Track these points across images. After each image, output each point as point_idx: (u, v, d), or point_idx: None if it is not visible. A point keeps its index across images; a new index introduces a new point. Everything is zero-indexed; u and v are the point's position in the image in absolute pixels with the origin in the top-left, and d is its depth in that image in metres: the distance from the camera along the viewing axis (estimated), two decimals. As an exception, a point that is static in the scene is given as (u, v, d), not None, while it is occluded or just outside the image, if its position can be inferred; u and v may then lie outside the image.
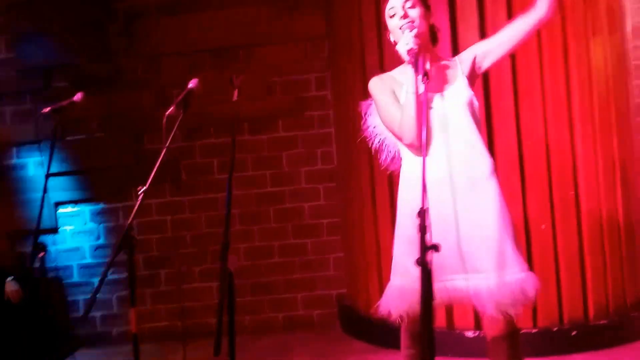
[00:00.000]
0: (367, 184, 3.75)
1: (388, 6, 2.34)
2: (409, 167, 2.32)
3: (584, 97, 3.31)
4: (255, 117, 4.22)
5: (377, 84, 2.35)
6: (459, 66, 2.32)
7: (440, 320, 3.31)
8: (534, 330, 3.25)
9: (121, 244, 2.38)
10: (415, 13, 2.30)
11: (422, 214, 1.85)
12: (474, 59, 2.33)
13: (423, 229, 1.85)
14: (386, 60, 3.44)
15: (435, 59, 2.34)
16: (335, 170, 4.21)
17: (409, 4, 2.31)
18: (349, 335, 4.00)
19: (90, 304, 3.97)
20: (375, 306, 2.36)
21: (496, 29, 2.40)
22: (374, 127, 2.49)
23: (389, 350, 3.41)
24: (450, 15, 3.31)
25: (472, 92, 2.29)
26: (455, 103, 2.26)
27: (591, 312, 3.33)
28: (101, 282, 2.46)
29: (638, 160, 3.63)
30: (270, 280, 4.25)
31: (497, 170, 2.29)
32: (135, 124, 4.24)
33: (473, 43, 2.42)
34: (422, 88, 2.12)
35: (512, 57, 3.17)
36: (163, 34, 4.23)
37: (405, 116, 2.22)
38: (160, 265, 4.24)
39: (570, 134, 3.30)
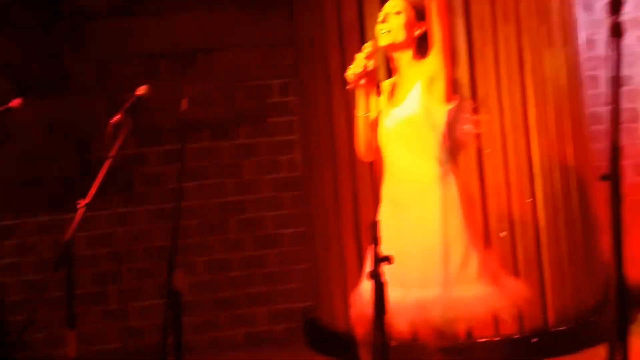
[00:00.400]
0: (331, 193, 3.59)
1: (381, 11, 2.30)
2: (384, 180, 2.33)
3: (539, 106, 3.34)
4: (216, 123, 3.92)
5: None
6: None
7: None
8: (496, 339, 3.24)
9: (59, 262, 2.21)
10: (397, 20, 2.22)
11: (374, 225, 1.83)
12: None
13: (375, 240, 1.82)
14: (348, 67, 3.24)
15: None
16: (300, 178, 3.96)
17: (394, 10, 2.23)
18: (314, 351, 3.75)
19: (26, 325, 3.48)
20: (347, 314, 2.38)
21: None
22: None
23: None
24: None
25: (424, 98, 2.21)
26: (404, 116, 2.21)
27: (551, 319, 3.31)
28: (37, 301, 2.43)
29: (593, 168, 3.58)
30: (230, 295, 3.92)
31: (453, 180, 2.24)
32: (83, 132, 3.86)
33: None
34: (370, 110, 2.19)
35: (470, 67, 3.24)
36: (115, 37, 3.88)
37: (356, 133, 2.28)
38: (110, 281, 3.82)
39: (526, 142, 3.31)
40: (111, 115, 3.74)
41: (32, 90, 3.70)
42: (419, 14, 2.25)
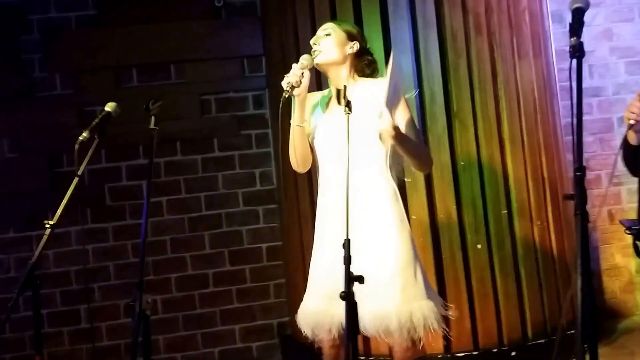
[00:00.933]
0: (307, 206, 3.52)
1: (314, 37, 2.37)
2: (320, 193, 2.36)
3: (512, 118, 3.36)
4: (188, 137, 3.84)
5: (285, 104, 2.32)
6: (379, 96, 2.21)
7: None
8: (475, 353, 3.23)
9: (24, 284, 2.15)
10: (328, 42, 2.31)
11: (347, 244, 1.84)
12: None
13: (348, 259, 1.83)
14: (324, 80, 3.27)
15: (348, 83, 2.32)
16: (275, 191, 3.91)
17: (325, 32, 2.33)
18: None
19: None
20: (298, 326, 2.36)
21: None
22: None
23: None
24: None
25: (387, 118, 2.18)
26: (356, 132, 2.18)
27: (529, 332, 3.30)
28: (3, 324, 2.23)
29: (568, 178, 3.64)
30: (204, 312, 3.85)
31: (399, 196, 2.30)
32: (52, 145, 3.76)
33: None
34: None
35: (444, 79, 3.26)
36: (84, 48, 3.80)
37: (290, 145, 2.32)
38: (81, 300, 3.73)
39: (501, 154, 3.33)
40: (81, 128, 3.69)
41: (-1, 103, 3.64)
42: (349, 34, 2.35)
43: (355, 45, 2.34)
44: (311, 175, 3.49)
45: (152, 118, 2.25)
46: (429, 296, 2.25)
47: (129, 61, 3.82)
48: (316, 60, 2.28)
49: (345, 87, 2.07)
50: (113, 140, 3.45)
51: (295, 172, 3.55)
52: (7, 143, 3.74)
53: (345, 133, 2.00)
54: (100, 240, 3.73)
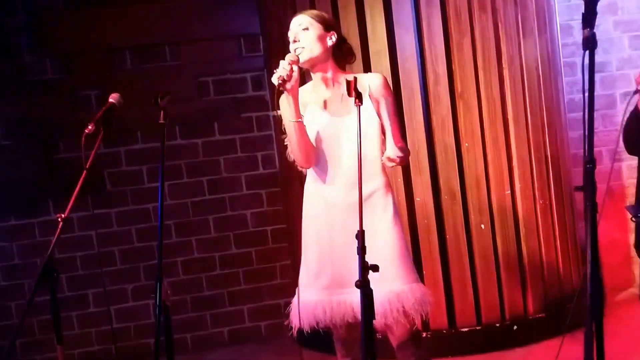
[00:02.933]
0: None
1: (289, 31, 2.34)
2: (309, 182, 2.39)
3: (516, 97, 3.40)
4: (188, 120, 3.86)
5: (282, 101, 2.31)
6: (366, 88, 2.28)
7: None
8: (478, 327, 3.35)
9: (40, 279, 2.14)
10: (308, 37, 2.29)
11: (361, 235, 1.91)
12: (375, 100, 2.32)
13: (362, 250, 1.89)
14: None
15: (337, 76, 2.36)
16: (278, 174, 3.96)
17: (302, 27, 2.31)
18: (299, 345, 3.76)
19: (11, 343, 3.47)
20: (287, 322, 2.47)
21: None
22: None
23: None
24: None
25: (373, 112, 2.30)
26: (349, 127, 2.24)
27: (530, 307, 3.42)
28: (22, 321, 2.47)
29: (571, 155, 3.74)
30: (212, 294, 3.95)
31: (388, 187, 2.37)
32: (48, 130, 3.78)
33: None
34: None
35: (448, 60, 3.27)
36: (74, 29, 3.76)
37: (291, 143, 2.30)
38: (87, 285, 3.83)
39: (505, 133, 3.39)
40: (75, 113, 3.69)
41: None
42: (326, 25, 2.33)
43: (334, 36, 2.33)
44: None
45: (162, 112, 2.26)
46: (418, 279, 2.37)
47: (122, 43, 3.79)
48: (301, 58, 2.26)
49: (355, 78, 2.09)
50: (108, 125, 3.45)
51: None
52: (0, 130, 3.75)
53: (356, 124, 2.05)
54: (104, 226, 3.80)
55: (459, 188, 3.32)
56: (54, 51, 3.76)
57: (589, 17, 1.73)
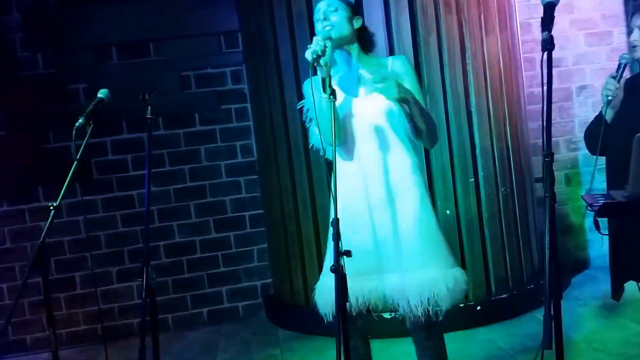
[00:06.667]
0: (288, 177, 3.55)
1: (315, 11, 2.19)
2: (338, 171, 2.12)
3: (479, 90, 3.39)
4: (170, 112, 3.79)
5: (307, 87, 2.17)
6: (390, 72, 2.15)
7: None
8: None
9: (33, 264, 2.05)
10: (338, 16, 2.15)
11: (336, 222, 1.81)
12: None
13: (337, 236, 1.80)
14: (300, 55, 3.32)
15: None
16: (256, 162, 3.91)
17: (331, 8, 2.16)
18: (274, 324, 3.77)
19: (6, 325, 3.18)
20: (314, 303, 2.21)
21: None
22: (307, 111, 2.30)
23: (313, 336, 3.31)
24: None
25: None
26: (375, 108, 2.13)
27: (493, 288, 3.41)
28: (16, 303, 2.14)
29: (530, 146, 3.71)
30: (193, 276, 3.89)
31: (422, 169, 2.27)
32: (38, 122, 3.69)
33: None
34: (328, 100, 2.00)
35: (418, 57, 3.27)
36: (64, 26, 3.70)
37: (321, 120, 2.07)
38: (74, 268, 3.74)
39: (469, 124, 3.38)
40: (65, 105, 3.56)
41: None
42: (353, 9, 2.20)
43: (359, 20, 2.20)
44: (290, 149, 3.44)
45: (149, 108, 2.24)
46: (453, 263, 2.18)
47: (109, 40, 3.74)
48: (333, 35, 2.08)
49: (330, 77, 1.97)
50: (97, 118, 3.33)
51: (274, 146, 3.52)
52: None
53: (373, 107, 1.96)
54: (91, 212, 3.70)
55: (425, 176, 3.23)
56: (45, 47, 3.69)
57: (548, 21, 1.71)
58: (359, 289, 2.12)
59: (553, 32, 1.71)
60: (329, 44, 2.02)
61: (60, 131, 3.58)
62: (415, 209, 2.11)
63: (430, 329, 2.15)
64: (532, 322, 3.20)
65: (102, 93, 2.26)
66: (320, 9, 2.16)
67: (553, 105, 3.84)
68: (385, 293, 2.11)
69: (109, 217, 3.73)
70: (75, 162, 2.09)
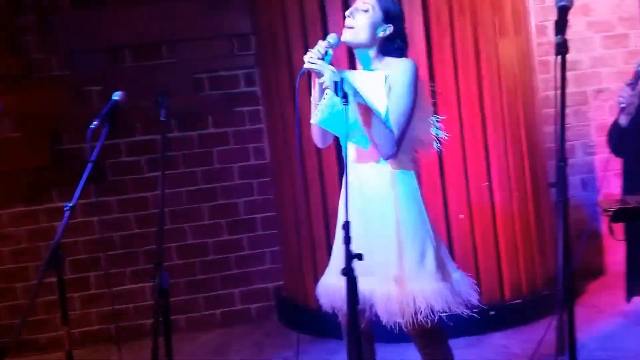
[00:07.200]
0: (300, 180, 3.56)
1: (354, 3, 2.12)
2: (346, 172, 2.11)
3: (494, 94, 3.35)
4: (183, 114, 3.79)
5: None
6: (386, 80, 2.06)
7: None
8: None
9: (48, 263, 2.06)
10: (361, 19, 2.06)
11: (346, 225, 1.78)
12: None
13: (347, 239, 1.78)
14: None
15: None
16: (268, 165, 3.91)
17: (363, 7, 2.07)
18: (286, 327, 3.77)
19: (21, 324, 3.37)
20: (316, 300, 2.23)
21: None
22: None
23: (325, 339, 3.29)
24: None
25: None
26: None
27: (507, 293, 3.37)
28: (31, 302, 2.47)
29: (545, 149, 3.64)
30: (205, 278, 3.89)
31: (411, 176, 2.13)
32: (52, 124, 3.71)
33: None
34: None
35: (429, 59, 3.21)
36: (79, 29, 3.71)
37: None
38: (89, 268, 3.76)
39: (482, 129, 3.34)
40: (79, 107, 3.57)
41: (-1, 84, 3.61)
42: (387, 15, 2.08)
43: (389, 29, 2.08)
44: (303, 150, 3.40)
45: (163, 110, 2.24)
46: (439, 278, 2.09)
47: (123, 42, 3.75)
48: (343, 39, 2.05)
49: (342, 80, 1.93)
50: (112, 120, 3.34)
51: (286, 148, 3.50)
52: (9, 122, 3.69)
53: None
54: (105, 213, 3.71)
55: (440, 180, 3.26)
56: (60, 49, 3.70)
57: (561, 25, 1.71)
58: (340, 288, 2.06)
59: (568, 35, 1.68)
60: (330, 51, 1.99)
61: (74, 133, 3.59)
62: (391, 221, 2.03)
63: (424, 335, 2.10)
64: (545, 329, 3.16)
65: (117, 95, 2.27)
66: (355, 4, 2.08)
67: (569, 109, 3.80)
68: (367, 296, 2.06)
69: (123, 218, 3.73)
70: (91, 163, 2.09)
